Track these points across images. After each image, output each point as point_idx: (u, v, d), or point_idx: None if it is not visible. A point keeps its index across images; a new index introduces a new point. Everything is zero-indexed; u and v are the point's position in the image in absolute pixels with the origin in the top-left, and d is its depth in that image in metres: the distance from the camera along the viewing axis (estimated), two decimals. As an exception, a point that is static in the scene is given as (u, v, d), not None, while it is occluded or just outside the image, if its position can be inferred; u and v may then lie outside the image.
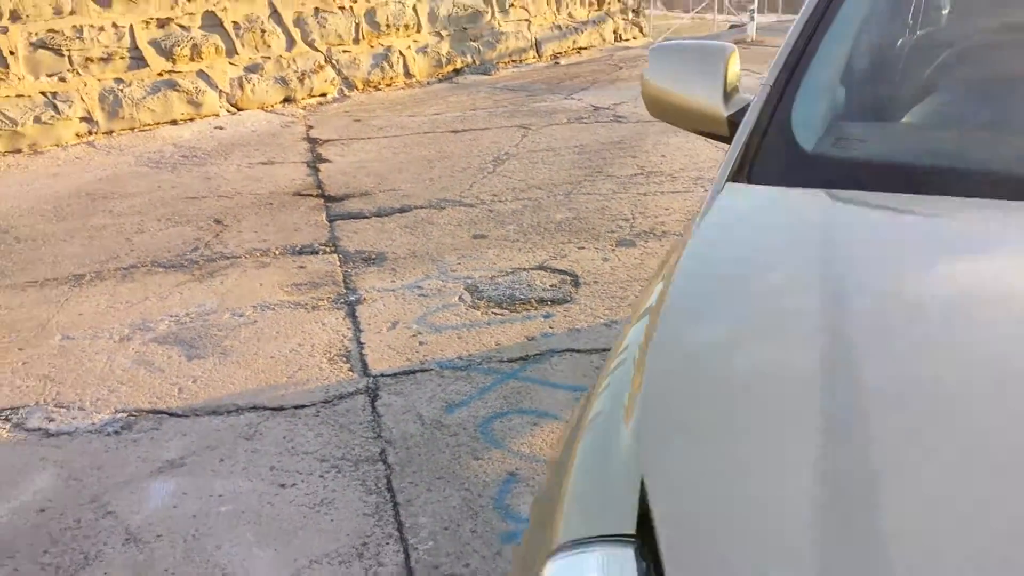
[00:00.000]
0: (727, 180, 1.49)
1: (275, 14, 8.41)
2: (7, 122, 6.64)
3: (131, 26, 7.43)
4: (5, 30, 6.65)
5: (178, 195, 5.73)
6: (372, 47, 9.31)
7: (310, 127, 7.68)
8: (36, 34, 6.83)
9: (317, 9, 8.77)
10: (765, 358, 1.09)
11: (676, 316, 1.19)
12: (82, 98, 7.09)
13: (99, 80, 7.22)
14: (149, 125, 7.44)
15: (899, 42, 2.10)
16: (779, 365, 1.07)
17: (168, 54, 7.58)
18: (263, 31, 8.26)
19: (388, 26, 9.38)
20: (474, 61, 10.40)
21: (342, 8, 8.99)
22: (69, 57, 7.03)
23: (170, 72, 7.61)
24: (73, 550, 2.38)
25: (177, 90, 7.61)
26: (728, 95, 1.74)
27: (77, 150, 6.89)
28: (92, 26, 7.18)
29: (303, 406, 3.08)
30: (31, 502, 2.58)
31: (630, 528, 0.92)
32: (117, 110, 7.25)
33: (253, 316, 3.83)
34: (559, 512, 0.99)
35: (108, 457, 2.81)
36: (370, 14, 9.25)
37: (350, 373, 3.30)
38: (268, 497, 2.57)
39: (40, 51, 6.87)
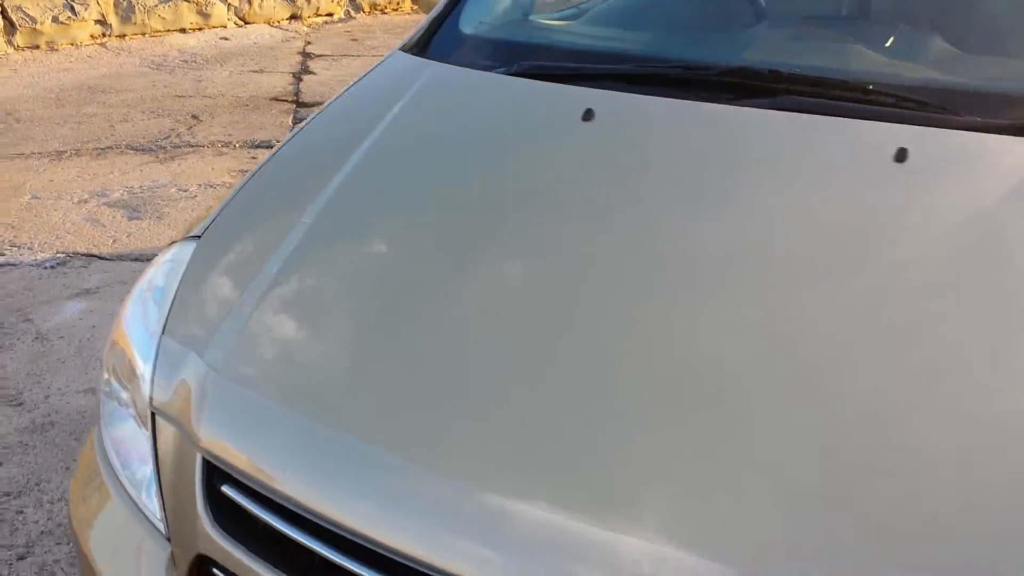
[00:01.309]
0: (398, 49, 2.00)
1: (287, -66, 8.88)
2: (27, 19, 7.26)
3: (148, -63, 7.96)
4: (29, -66, 7.23)
5: (168, 93, 6.32)
6: (381, -28, 9.74)
7: (308, 43, 8.20)
8: (57, -61, 7.40)
9: (329, -68, 9.22)
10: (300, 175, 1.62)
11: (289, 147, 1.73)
12: (98, 2, 7.67)
13: (116, -14, 7.79)
14: (159, 32, 8.02)
15: None
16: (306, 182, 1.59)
17: (183, -34, 8.11)
18: (274, -50, 8.74)
19: (398, -48, 9.79)
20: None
21: (354, -68, 9.43)
22: (88, -37, 7.60)
23: (183, -17, 8.15)
24: (-8, 341, 3.02)
25: (189, 2, 8.16)
26: None
27: (89, 50, 7.50)
28: (111, -65, 7.73)
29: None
30: (-31, 308, 3.22)
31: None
32: (130, 16, 7.83)
33: (195, 192, 4.42)
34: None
35: (39, 283, 3.44)
36: (381, -60, 9.67)
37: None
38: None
39: (61, -44, 7.45)
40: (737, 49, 1.78)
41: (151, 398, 1.31)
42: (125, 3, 7.81)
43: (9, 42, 7.22)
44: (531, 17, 2.12)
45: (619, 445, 1.05)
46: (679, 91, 1.59)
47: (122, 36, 7.81)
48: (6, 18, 7.20)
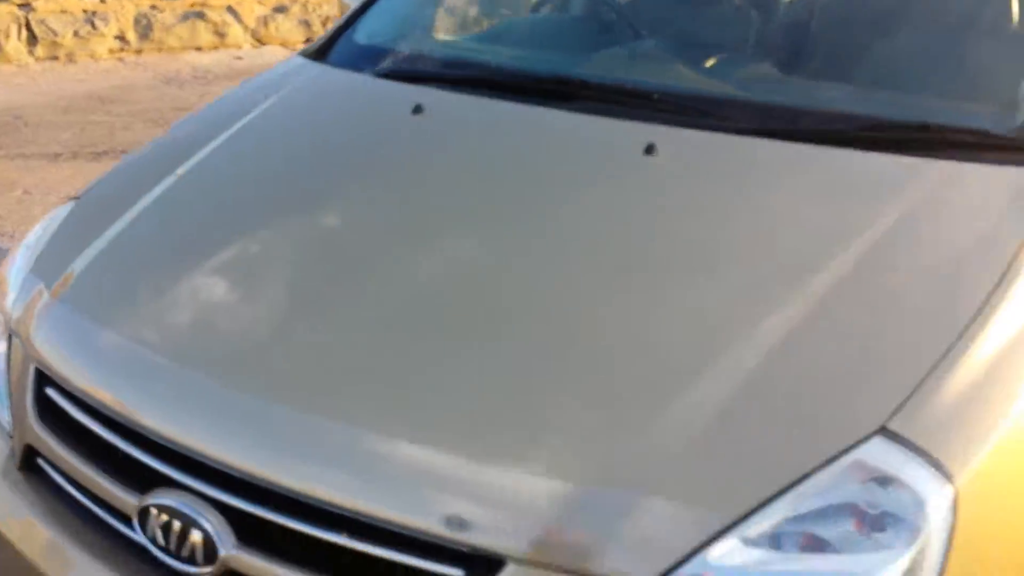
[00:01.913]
0: (298, 54, 2.28)
1: (306, -38, 9.31)
2: (49, 32, 7.70)
3: (171, -41, 8.41)
4: (56, -48, 7.69)
5: (173, 106, 6.68)
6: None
7: (316, 65, 8.59)
8: (83, -42, 7.86)
9: (345, -39, 9.64)
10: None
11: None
12: (118, 19, 8.10)
13: (136, 5, 8.22)
14: (175, 49, 8.43)
15: None
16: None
17: (204, -14, 8.55)
18: (293, -24, 9.17)
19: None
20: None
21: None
22: (111, -19, 8.05)
23: (201, 4, 8.58)
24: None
25: (205, 20, 8.58)
26: None
27: (107, 63, 7.92)
28: (135, -44, 8.18)
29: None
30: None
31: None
32: (148, 32, 8.25)
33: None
34: None
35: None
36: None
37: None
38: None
39: (85, -26, 7.90)
40: (558, 63, 2.05)
41: (9, 321, 1.59)
42: (144, 20, 8.23)
43: (31, 53, 7.65)
44: (422, 35, 2.39)
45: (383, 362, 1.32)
46: (497, 93, 1.86)
47: (139, 52, 8.23)
48: (29, 30, 7.64)
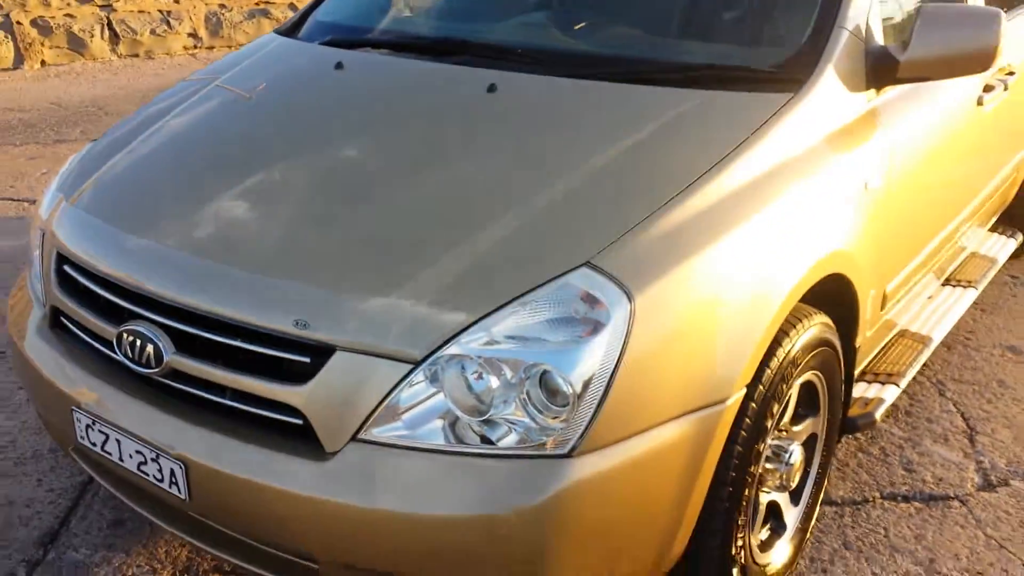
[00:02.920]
0: (273, 32, 2.90)
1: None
2: (129, 31, 8.57)
3: (237, -38, 9.20)
4: (135, -40, 8.55)
5: (234, 93, 7.45)
6: None
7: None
8: (159, -36, 8.70)
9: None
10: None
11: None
12: (190, 18, 8.93)
13: (206, 4, 9.03)
14: (244, 44, 9.22)
15: None
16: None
17: (268, -13, 9.31)
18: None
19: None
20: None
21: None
22: (184, -16, 8.87)
23: (266, 3, 9.35)
24: None
25: (269, 17, 9.34)
26: None
27: (181, 59, 8.75)
28: (205, -39, 8.99)
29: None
30: None
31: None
32: (219, 30, 9.05)
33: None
34: None
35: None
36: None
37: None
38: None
39: (161, -22, 8.75)
40: (443, 29, 2.69)
41: (41, 223, 2.24)
42: (215, 19, 9.04)
43: (113, 50, 8.53)
44: (361, 13, 2.98)
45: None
46: (400, 53, 2.48)
47: (211, 48, 9.04)
48: (111, 29, 8.52)
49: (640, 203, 1.79)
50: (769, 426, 1.91)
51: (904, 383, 2.67)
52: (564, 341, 1.62)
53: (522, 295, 1.64)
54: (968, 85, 2.79)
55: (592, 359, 1.60)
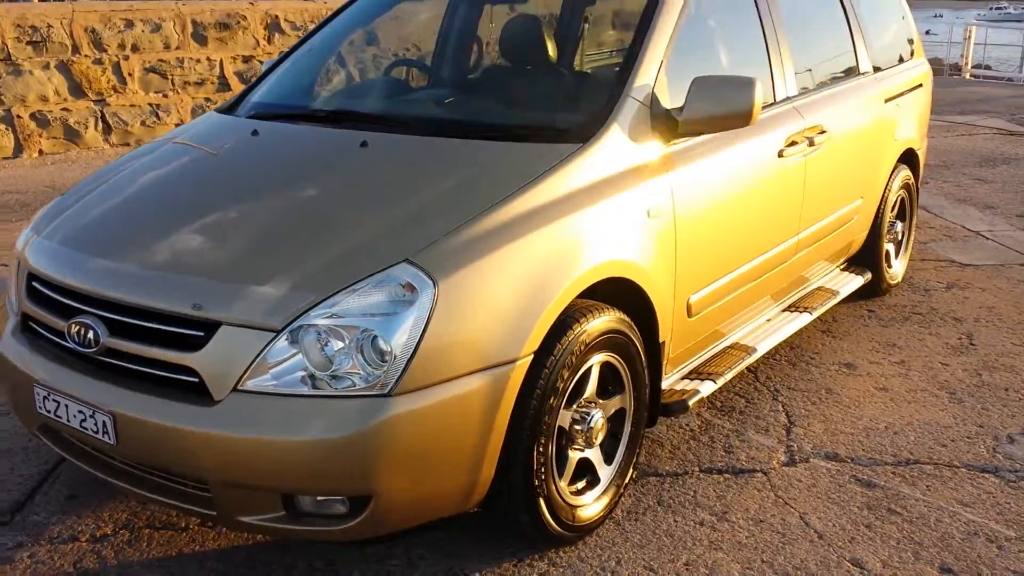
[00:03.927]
0: (213, 111, 3.62)
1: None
2: (121, 123, 9.39)
3: (221, 60, 10.09)
4: (127, 58, 9.42)
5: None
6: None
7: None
8: (148, 62, 9.58)
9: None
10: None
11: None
12: (178, 110, 9.77)
13: (192, 98, 9.89)
14: (225, 132, 10.03)
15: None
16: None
17: (248, 82, 10.19)
18: (322, 67, 10.78)
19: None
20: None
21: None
22: (172, 80, 9.74)
23: (247, 95, 10.21)
24: None
25: (250, 108, 10.18)
26: None
27: (168, 146, 9.55)
28: (191, 58, 9.88)
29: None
30: None
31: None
32: (203, 120, 9.88)
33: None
34: None
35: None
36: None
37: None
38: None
39: (150, 74, 9.61)
40: (336, 103, 3.44)
41: (17, 255, 2.90)
42: (200, 111, 9.86)
43: (106, 139, 9.33)
44: (280, 93, 3.71)
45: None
46: (303, 121, 3.18)
47: (195, 136, 9.85)
48: (104, 121, 9.34)
49: (454, 218, 2.44)
50: (560, 387, 2.51)
51: (721, 381, 3.28)
52: (387, 315, 2.25)
53: (359, 281, 2.28)
54: (771, 139, 3.47)
55: (406, 327, 2.23)
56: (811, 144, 3.69)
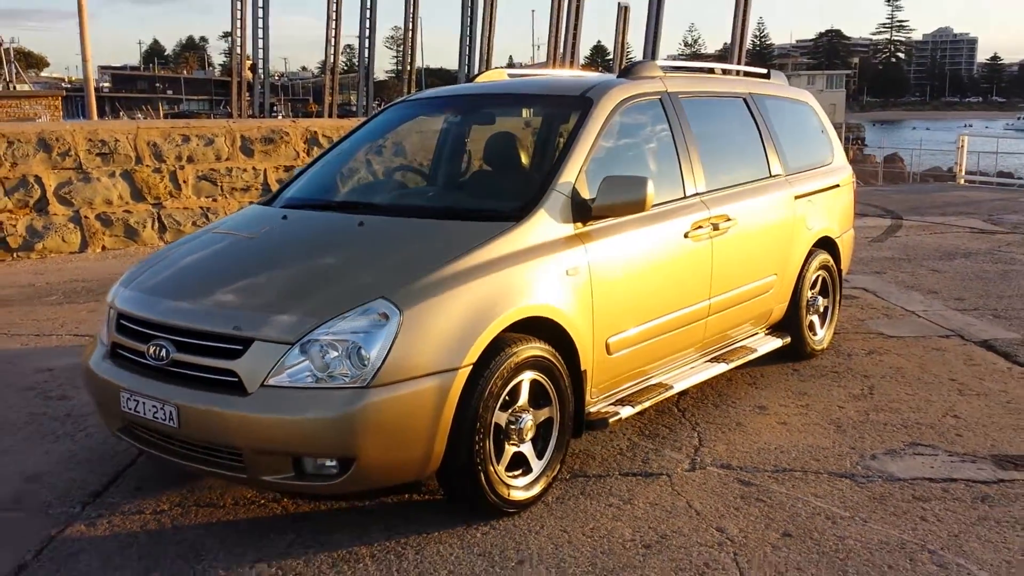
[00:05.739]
0: (253, 203, 4.74)
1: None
2: (175, 223, 10.67)
3: (265, 169, 11.43)
4: (182, 167, 10.78)
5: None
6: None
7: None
8: (201, 171, 10.92)
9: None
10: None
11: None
12: (225, 212, 11.05)
13: (239, 202, 11.18)
14: (265, 232, 11.28)
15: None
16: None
17: (286, 188, 11.49)
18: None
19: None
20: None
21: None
22: (220, 186, 11.06)
23: (285, 199, 11.50)
24: None
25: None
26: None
27: (214, 243, 10.81)
28: (239, 168, 11.22)
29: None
30: None
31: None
32: (246, 221, 11.15)
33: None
34: None
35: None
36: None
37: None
38: None
39: (202, 181, 10.94)
40: (344, 196, 4.55)
41: (109, 303, 4.00)
42: (243, 213, 11.14)
43: (161, 237, 10.60)
44: (309, 191, 4.85)
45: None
46: (320, 210, 4.30)
47: (239, 235, 11.11)
48: (160, 222, 10.64)
49: (419, 270, 3.49)
50: (495, 392, 3.49)
51: (640, 407, 4.24)
52: (367, 332, 3.28)
53: (349, 310, 3.32)
54: (679, 223, 4.51)
55: (380, 341, 3.25)
56: (715, 228, 4.72)
